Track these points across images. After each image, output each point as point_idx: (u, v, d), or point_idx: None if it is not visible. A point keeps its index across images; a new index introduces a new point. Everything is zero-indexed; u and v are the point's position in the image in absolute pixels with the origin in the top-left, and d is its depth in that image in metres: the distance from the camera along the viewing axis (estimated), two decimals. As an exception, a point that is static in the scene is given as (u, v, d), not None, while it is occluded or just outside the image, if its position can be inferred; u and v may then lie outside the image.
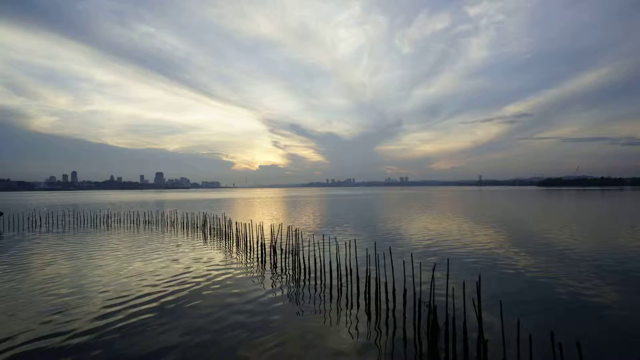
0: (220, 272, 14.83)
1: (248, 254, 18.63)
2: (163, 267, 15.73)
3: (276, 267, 15.67)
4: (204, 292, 11.98)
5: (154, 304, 10.77)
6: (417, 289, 9.86)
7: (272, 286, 12.73)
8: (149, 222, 34.98)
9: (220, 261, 16.97)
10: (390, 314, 9.81)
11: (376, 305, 10.36)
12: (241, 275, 14.26)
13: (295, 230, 16.38)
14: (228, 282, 13.23)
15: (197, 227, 30.17)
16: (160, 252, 19.39)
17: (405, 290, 10.20)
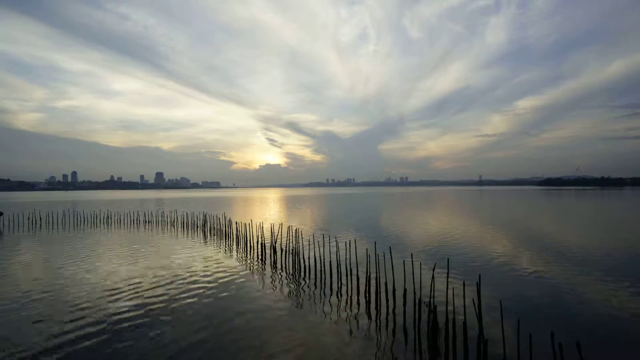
0: (220, 271, 14.83)
1: (248, 254, 18.63)
2: (163, 267, 15.72)
3: (276, 266, 15.68)
4: (204, 291, 11.98)
5: (155, 303, 10.76)
6: (417, 289, 9.86)
7: (272, 285, 12.74)
8: (149, 222, 34.99)
9: (220, 260, 16.97)
10: (390, 313, 9.82)
11: (376, 304, 10.37)
12: (241, 275, 14.25)
13: (295, 230, 16.39)
14: (228, 282, 13.23)
15: (198, 227, 30.18)
16: (160, 252, 19.39)
17: (405, 290, 10.20)
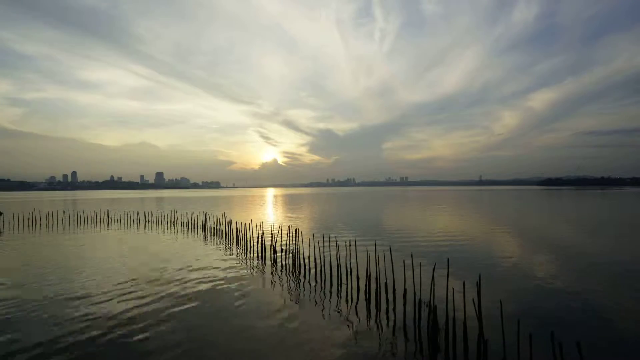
0: (220, 271, 14.82)
1: (248, 253, 18.62)
2: (163, 266, 15.71)
3: (276, 266, 15.67)
4: (204, 291, 11.98)
5: (154, 303, 10.75)
6: (417, 289, 9.85)
7: (272, 285, 12.73)
8: (149, 222, 34.98)
9: (220, 260, 16.96)
10: (390, 313, 9.81)
11: (376, 304, 10.37)
12: (241, 274, 14.25)
13: (295, 230, 16.38)
14: (228, 281, 13.21)
15: (197, 227, 30.17)
16: (160, 251, 19.38)
17: (405, 290, 10.19)
